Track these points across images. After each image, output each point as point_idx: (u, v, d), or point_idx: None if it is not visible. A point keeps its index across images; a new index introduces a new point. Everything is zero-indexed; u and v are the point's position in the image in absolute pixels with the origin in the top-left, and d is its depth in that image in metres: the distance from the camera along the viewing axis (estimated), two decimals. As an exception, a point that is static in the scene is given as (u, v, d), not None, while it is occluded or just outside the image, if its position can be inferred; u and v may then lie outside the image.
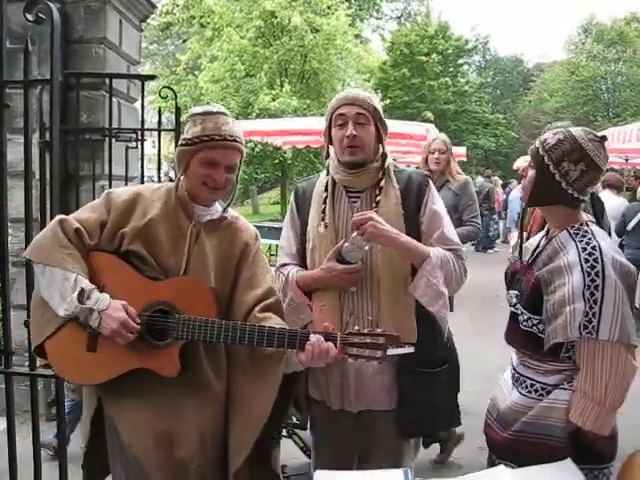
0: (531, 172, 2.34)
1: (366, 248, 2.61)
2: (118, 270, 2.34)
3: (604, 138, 2.23)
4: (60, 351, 2.30)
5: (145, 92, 4.11)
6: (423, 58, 36.79)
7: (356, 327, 2.32)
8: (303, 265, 2.85)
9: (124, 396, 2.30)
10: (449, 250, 2.71)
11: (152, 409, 2.30)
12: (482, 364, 5.28)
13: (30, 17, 3.01)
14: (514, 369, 2.41)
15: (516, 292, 2.39)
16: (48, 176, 3.56)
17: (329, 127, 2.79)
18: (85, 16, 4.64)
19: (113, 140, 4.07)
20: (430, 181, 2.82)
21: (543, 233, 2.46)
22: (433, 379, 2.72)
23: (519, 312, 2.32)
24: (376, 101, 2.74)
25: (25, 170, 3.21)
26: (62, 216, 2.36)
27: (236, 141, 2.37)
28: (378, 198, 2.72)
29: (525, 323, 2.28)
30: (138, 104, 4.95)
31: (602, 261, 2.11)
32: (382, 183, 2.74)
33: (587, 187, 2.25)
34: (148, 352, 2.27)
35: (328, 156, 2.89)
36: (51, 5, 3.09)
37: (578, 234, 2.22)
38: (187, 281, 2.35)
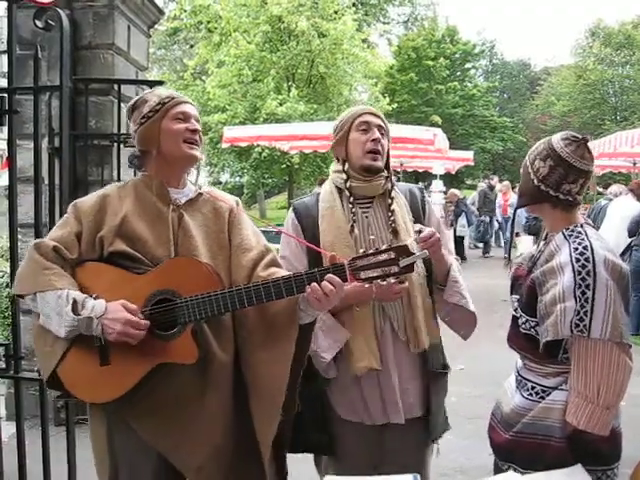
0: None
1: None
2: (107, 275, 2.27)
3: (583, 139, 2.30)
4: (75, 375, 2.23)
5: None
6: (430, 62, 36.81)
7: (361, 250, 2.25)
8: None
9: (145, 399, 2.24)
10: None
11: (175, 402, 2.26)
12: (489, 367, 5.28)
13: (40, 24, 3.03)
14: (518, 372, 2.43)
15: (517, 296, 2.42)
16: (57, 181, 3.59)
17: (347, 132, 2.76)
18: (94, 22, 4.66)
19: (121, 145, 4.08)
20: (426, 195, 2.91)
21: (543, 240, 2.47)
22: (444, 381, 2.83)
23: (518, 315, 2.34)
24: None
25: (35, 175, 3.23)
26: (36, 240, 2.34)
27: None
28: (392, 207, 2.72)
29: (524, 326, 2.31)
30: (146, 110, 4.97)
31: (594, 260, 2.12)
32: (393, 193, 2.76)
33: (562, 185, 2.27)
34: (162, 346, 2.21)
35: (342, 161, 2.83)
36: (61, 12, 3.12)
37: (572, 235, 2.24)
38: (177, 261, 2.28)
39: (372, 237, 2.65)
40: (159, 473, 2.31)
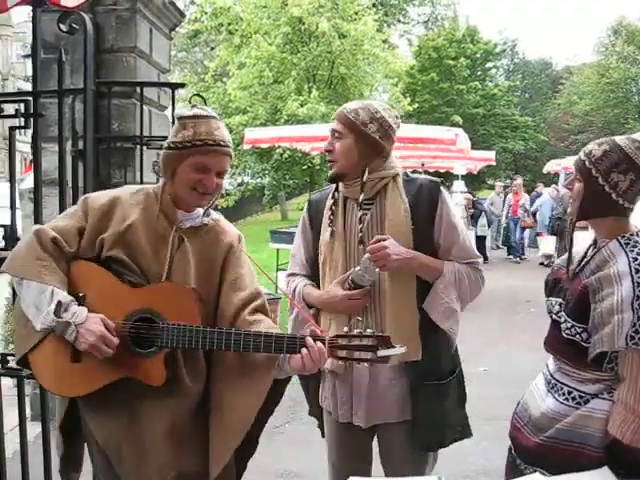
0: (578, 185, 2.30)
1: (377, 270, 2.57)
2: (99, 278, 2.28)
3: None
4: (45, 363, 2.24)
5: (175, 100, 4.14)
6: (451, 62, 36.69)
7: (345, 328, 2.26)
8: (313, 274, 2.84)
9: (101, 403, 2.26)
10: (467, 263, 2.70)
11: (129, 414, 2.26)
12: (512, 369, 5.24)
13: (64, 28, 3.06)
14: (551, 375, 2.38)
15: (559, 300, 2.36)
16: (81, 184, 3.62)
17: None
18: (116, 26, 4.69)
19: (144, 148, 4.11)
20: (442, 189, 2.73)
21: (590, 243, 2.42)
22: (444, 391, 2.72)
23: (562, 320, 2.28)
24: (363, 113, 2.64)
25: (59, 178, 3.26)
26: (38, 226, 2.32)
27: (228, 146, 2.31)
28: (368, 213, 2.68)
29: (568, 331, 2.24)
30: (168, 112, 4.99)
31: None
32: (390, 194, 2.67)
33: (638, 196, 2.23)
34: (133, 361, 2.22)
35: None
36: (84, 16, 3.15)
37: (629, 244, 2.18)
38: (168, 286, 2.28)
39: (358, 268, 2.60)
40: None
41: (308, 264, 2.87)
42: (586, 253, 2.36)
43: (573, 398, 2.24)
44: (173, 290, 2.29)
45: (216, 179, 2.31)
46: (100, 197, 2.37)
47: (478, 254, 2.81)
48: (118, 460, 2.28)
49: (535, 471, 2.23)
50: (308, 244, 2.87)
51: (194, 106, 2.35)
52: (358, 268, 2.57)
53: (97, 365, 2.20)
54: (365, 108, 2.65)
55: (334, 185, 2.80)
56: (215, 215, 2.51)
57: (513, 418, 2.51)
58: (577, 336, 2.21)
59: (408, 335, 2.57)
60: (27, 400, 3.75)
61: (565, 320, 2.25)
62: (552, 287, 2.46)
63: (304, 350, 2.16)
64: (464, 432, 2.83)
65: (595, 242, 2.34)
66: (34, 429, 3.91)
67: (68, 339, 2.14)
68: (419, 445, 2.68)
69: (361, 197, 2.64)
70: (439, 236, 2.67)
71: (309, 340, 2.16)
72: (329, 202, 2.78)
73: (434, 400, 2.65)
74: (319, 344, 2.16)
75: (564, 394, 2.28)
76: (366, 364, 2.25)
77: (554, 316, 2.35)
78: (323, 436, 2.89)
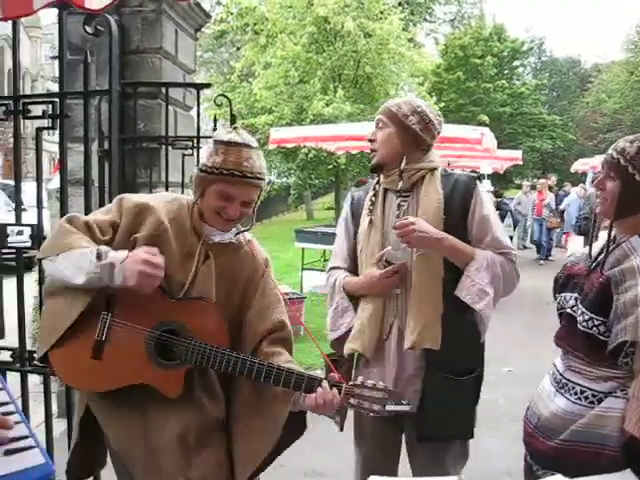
0: (611, 184, 2.27)
1: (409, 250, 2.64)
2: None
3: None
4: (64, 357, 2.25)
5: (200, 100, 4.16)
6: (477, 61, 36.55)
7: (360, 378, 2.29)
8: (355, 268, 2.89)
9: (114, 402, 2.28)
10: (500, 254, 2.71)
11: (139, 421, 2.28)
12: (538, 369, 5.19)
13: (89, 30, 3.09)
14: (560, 374, 2.36)
15: (574, 295, 2.35)
16: (107, 183, 3.65)
17: None
18: (142, 27, 4.72)
19: (169, 148, 4.13)
20: (478, 184, 2.79)
21: (607, 239, 2.40)
22: (458, 387, 2.72)
23: (578, 313, 2.27)
24: (405, 106, 2.75)
25: (85, 178, 3.30)
26: (70, 214, 2.32)
27: (256, 178, 2.28)
28: (403, 202, 2.76)
29: (585, 324, 2.23)
30: (194, 112, 5.02)
31: None
32: (424, 185, 2.74)
33: None
34: (153, 369, 2.23)
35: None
36: (110, 18, 3.17)
37: None
38: (202, 305, 2.30)
39: (389, 247, 2.68)
40: None
41: (350, 258, 2.93)
42: (602, 250, 2.34)
43: (586, 397, 2.23)
44: (205, 309, 2.31)
45: (241, 208, 2.31)
46: (135, 199, 2.38)
47: (511, 246, 2.81)
48: (129, 460, 2.30)
49: (553, 474, 2.21)
50: (350, 238, 2.93)
51: (235, 128, 2.33)
52: (390, 247, 2.67)
53: (117, 365, 2.22)
54: (407, 102, 2.79)
55: (375, 179, 2.89)
56: (248, 236, 2.52)
57: (524, 423, 2.49)
58: (594, 329, 2.19)
59: (427, 322, 2.62)
60: (53, 397, 3.80)
61: (582, 313, 2.23)
62: (564, 283, 2.44)
63: (319, 390, 2.21)
64: (466, 433, 2.82)
65: (614, 239, 2.32)
66: (60, 426, 3.95)
67: (116, 281, 2.12)
68: (418, 434, 2.72)
69: (400, 185, 2.72)
70: (472, 228, 2.71)
71: (325, 384, 2.22)
72: (370, 194, 2.86)
73: (445, 394, 2.67)
74: (334, 390, 2.22)
75: (576, 393, 2.26)
76: (371, 414, 2.30)
77: (568, 310, 2.34)
78: (341, 430, 2.90)
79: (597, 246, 2.43)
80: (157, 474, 2.25)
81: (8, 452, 1.34)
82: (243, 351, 2.32)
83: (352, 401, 2.24)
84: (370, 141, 2.83)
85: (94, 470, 2.62)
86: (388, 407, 2.23)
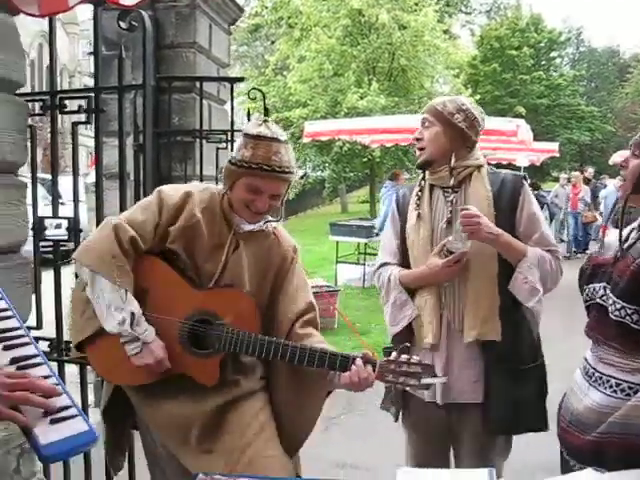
0: (635, 162, 2.27)
1: (468, 241, 2.67)
2: (163, 274, 2.34)
3: None
4: (100, 349, 2.31)
5: (234, 94, 4.18)
6: (514, 52, 36.16)
7: (393, 354, 2.31)
8: (403, 263, 2.91)
9: (153, 392, 2.34)
10: (547, 251, 2.75)
11: (178, 404, 2.33)
12: (574, 364, 5.13)
13: (124, 25, 3.12)
14: (592, 368, 2.33)
15: (602, 284, 2.32)
16: (142, 177, 3.69)
17: None
18: (176, 22, 4.77)
19: (204, 141, 4.15)
20: (525, 183, 2.84)
21: (635, 225, 2.38)
22: (522, 377, 2.75)
23: (609, 302, 2.24)
24: (450, 105, 2.79)
25: (120, 172, 3.33)
26: (117, 221, 2.31)
27: (284, 172, 2.29)
28: (453, 198, 2.79)
29: (617, 313, 2.19)
30: (228, 106, 5.05)
31: None
32: (472, 182, 2.79)
33: None
34: (189, 359, 2.29)
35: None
36: (143, 13, 3.20)
37: None
38: (233, 292, 2.35)
39: (451, 237, 2.69)
40: None
41: (399, 252, 2.95)
42: (628, 236, 2.32)
43: (622, 390, 2.19)
44: (237, 298, 2.36)
45: (270, 201, 2.33)
46: (173, 193, 2.40)
47: (556, 244, 2.87)
48: (173, 441, 2.35)
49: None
50: (397, 232, 2.96)
51: (265, 121, 2.35)
52: (452, 237, 2.69)
53: None
54: (452, 100, 2.83)
55: (421, 176, 2.93)
56: (274, 223, 2.54)
57: (558, 418, 2.47)
58: (627, 317, 2.16)
59: (486, 315, 2.68)
60: (90, 387, 3.85)
61: (614, 302, 2.20)
62: (591, 274, 2.41)
63: (354, 368, 2.23)
64: (540, 424, 2.84)
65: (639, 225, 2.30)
66: (96, 416, 3.98)
67: (128, 350, 2.22)
68: (488, 427, 2.73)
69: (451, 181, 2.77)
70: (520, 226, 2.75)
71: (359, 361, 2.24)
72: (416, 190, 2.90)
73: (509, 384, 2.70)
74: (369, 367, 2.24)
75: (611, 386, 2.23)
76: (408, 388, 2.34)
77: (598, 300, 2.30)
78: (396, 420, 2.93)
79: (624, 233, 2.41)
80: (189, 447, 2.31)
81: (53, 421, 1.39)
82: (276, 335, 2.36)
83: (387, 377, 2.26)
84: (417, 140, 2.86)
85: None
86: (424, 380, 2.25)
